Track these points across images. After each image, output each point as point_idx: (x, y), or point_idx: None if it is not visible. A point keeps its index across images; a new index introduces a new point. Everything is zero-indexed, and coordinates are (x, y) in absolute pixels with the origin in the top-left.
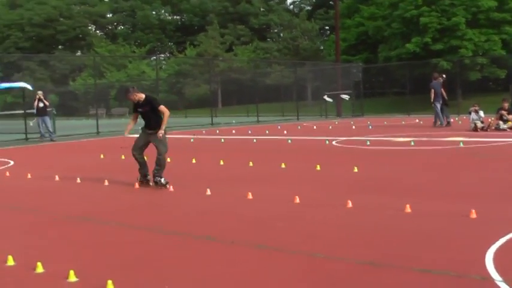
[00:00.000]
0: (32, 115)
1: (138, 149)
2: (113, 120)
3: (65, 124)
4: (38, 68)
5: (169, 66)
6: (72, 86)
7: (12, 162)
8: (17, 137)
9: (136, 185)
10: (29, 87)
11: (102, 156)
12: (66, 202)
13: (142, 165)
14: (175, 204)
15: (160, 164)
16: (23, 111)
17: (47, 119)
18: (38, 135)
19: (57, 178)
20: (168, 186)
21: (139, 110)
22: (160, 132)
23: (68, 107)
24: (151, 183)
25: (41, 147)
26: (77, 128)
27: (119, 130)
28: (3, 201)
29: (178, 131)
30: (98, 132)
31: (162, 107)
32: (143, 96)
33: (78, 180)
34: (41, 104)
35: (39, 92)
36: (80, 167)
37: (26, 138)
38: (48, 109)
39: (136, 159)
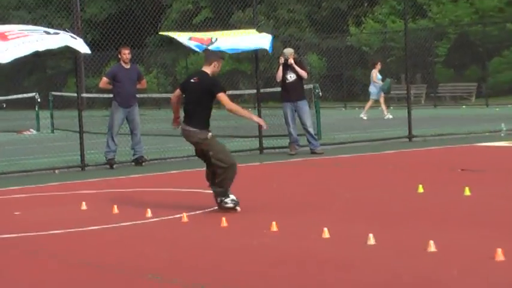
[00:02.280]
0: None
1: None
2: (440, 109)
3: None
4: None
5: None
6: (352, 38)
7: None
8: (246, 144)
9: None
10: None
11: (420, 188)
12: None
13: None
14: None
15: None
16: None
17: (305, 107)
18: (287, 141)
19: (326, 234)
20: None
21: None
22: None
23: (346, 82)
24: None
25: (289, 165)
26: (357, 125)
27: (460, 134)
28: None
29: None
30: (409, 138)
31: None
32: None
33: (371, 241)
34: (291, 76)
35: (287, 51)
36: (372, 211)
37: (261, 148)
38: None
39: None
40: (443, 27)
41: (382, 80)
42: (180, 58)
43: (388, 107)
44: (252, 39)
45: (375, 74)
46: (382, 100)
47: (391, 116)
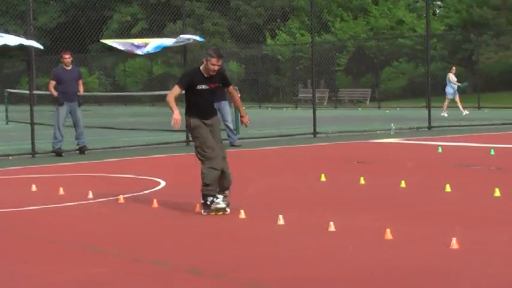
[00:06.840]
0: None
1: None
2: (340, 110)
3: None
4: (210, 13)
5: (450, 11)
6: (267, 48)
7: (163, 183)
8: (174, 137)
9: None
10: (197, 38)
11: (322, 177)
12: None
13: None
14: None
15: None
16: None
17: (225, 107)
18: None
19: (242, 215)
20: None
21: (203, 87)
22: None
23: (261, 86)
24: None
25: None
26: (270, 123)
27: (356, 131)
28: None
29: (465, 134)
30: (314, 134)
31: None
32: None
33: (281, 221)
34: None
35: None
36: (282, 196)
37: (188, 141)
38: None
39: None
40: (343, 41)
41: (458, 82)
42: (119, 62)
43: (296, 107)
44: (181, 37)
45: (451, 76)
46: (458, 99)
47: (467, 112)
